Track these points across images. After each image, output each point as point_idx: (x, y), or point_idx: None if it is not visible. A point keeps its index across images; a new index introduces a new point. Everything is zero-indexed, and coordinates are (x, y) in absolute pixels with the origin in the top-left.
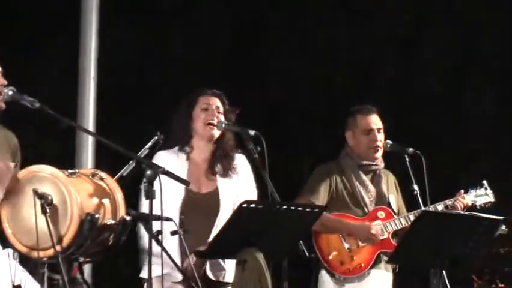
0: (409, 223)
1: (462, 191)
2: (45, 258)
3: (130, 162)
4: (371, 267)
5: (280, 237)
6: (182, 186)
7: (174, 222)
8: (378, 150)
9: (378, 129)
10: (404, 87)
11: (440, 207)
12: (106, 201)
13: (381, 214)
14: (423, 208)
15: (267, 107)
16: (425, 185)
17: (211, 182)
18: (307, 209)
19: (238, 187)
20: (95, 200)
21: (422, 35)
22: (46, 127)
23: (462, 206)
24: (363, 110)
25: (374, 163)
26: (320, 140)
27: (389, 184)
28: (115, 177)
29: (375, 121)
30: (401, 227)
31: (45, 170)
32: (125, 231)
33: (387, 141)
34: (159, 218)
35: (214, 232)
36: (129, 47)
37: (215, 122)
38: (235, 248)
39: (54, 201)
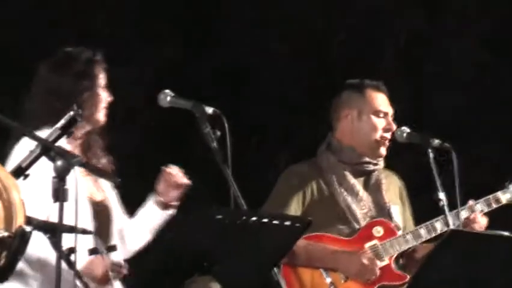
0: (418, 241)
1: (471, 201)
2: None
3: (33, 147)
4: None
5: (245, 262)
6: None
7: (93, 236)
8: (386, 144)
9: (390, 115)
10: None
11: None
12: None
13: (378, 231)
14: (449, 224)
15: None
16: (456, 191)
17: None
18: (286, 222)
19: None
20: None
21: None
22: None
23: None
24: (375, 85)
25: (375, 161)
26: (302, 128)
27: (392, 190)
28: (10, 170)
29: (387, 103)
30: (407, 247)
31: None
32: (24, 247)
33: (403, 128)
34: (73, 229)
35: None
36: None
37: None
38: (179, 276)
39: None
